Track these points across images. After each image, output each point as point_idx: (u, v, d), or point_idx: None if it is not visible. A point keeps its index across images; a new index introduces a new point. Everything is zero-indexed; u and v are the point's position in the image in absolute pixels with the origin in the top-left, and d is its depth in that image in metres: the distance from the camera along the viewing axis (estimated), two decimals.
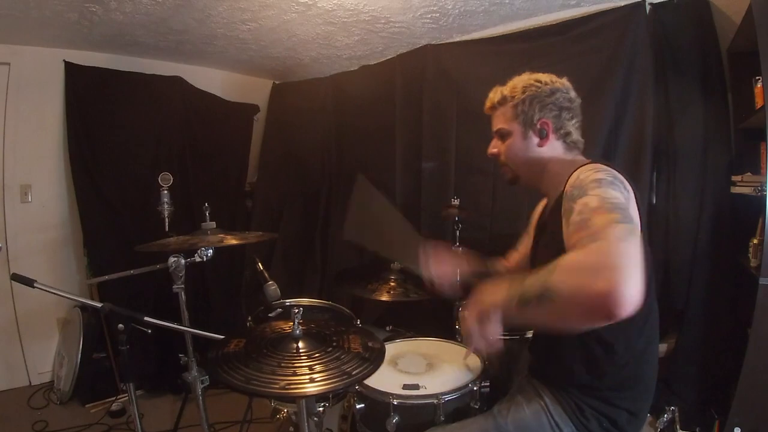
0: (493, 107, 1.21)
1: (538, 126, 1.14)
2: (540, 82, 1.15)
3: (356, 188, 1.71)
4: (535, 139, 1.15)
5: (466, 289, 1.38)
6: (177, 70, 3.07)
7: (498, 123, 1.21)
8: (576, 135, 1.17)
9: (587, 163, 1.05)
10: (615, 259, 0.75)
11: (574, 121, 1.16)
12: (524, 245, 1.43)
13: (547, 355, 1.15)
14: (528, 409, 1.10)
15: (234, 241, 1.63)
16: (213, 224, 1.72)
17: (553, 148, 1.16)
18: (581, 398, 1.06)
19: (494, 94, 1.21)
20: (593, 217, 0.84)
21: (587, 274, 0.76)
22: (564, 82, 1.17)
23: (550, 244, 1.08)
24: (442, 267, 1.42)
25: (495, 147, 1.23)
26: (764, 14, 1.54)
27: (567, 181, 1.03)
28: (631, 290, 0.71)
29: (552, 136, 1.14)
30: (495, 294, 0.94)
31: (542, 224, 1.24)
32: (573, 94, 1.17)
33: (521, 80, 1.17)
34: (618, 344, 1.03)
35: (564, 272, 0.80)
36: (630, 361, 1.05)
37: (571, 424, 1.07)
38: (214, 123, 3.22)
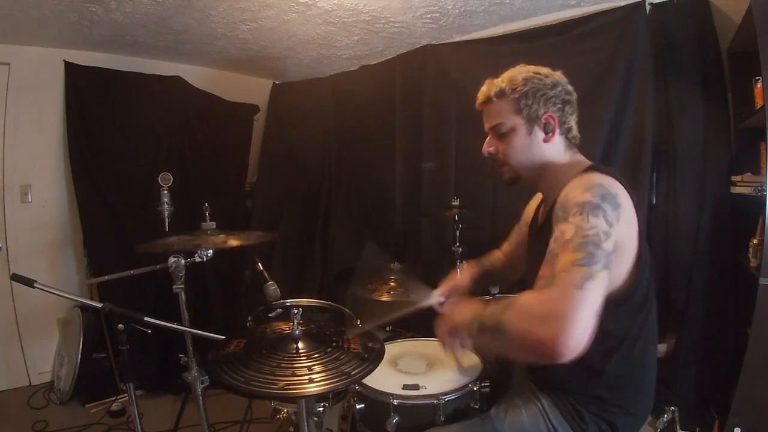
0: (489, 101, 1.12)
1: (544, 120, 1.07)
2: (540, 74, 1.09)
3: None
4: (540, 135, 1.08)
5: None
6: (177, 70, 3.07)
7: (495, 118, 1.11)
8: (575, 130, 1.13)
9: (583, 172, 1.02)
10: (563, 309, 0.79)
11: (574, 116, 1.12)
12: (515, 236, 1.42)
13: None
14: (525, 412, 1.09)
15: (235, 242, 1.63)
16: (213, 224, 1.72)
17: (556, 145, 1.10)
18: (579, 402, 1.05)
19: (489, 87, 1.12)
20: (560, 253, 0.86)
21: (535, 321, 0.81)
22: (562, 76, 1.12)
23: (542, 248, 1.06)
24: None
25: (491, 145, 1.15)
26: (764, 14, 1.54)
27: (564, 187, 1.00)
28: (572, 341, 0.76)
29: (557, 131, 1.09)
30: (462, 314, 1.02)
31: (538, 228, 1.20)
32: (571, 87, 1.12)
33: (519, 72, 1.10)
34: (617, 347, 1.01)
35: (517, 314, 0.86)
36: (629, 365, 1.04)
37: (569, 429, 1.06)
38: (214, 123, 3.22)
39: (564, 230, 0.88)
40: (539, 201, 1.30)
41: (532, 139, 1.09)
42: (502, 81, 1.11)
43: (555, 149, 1.11)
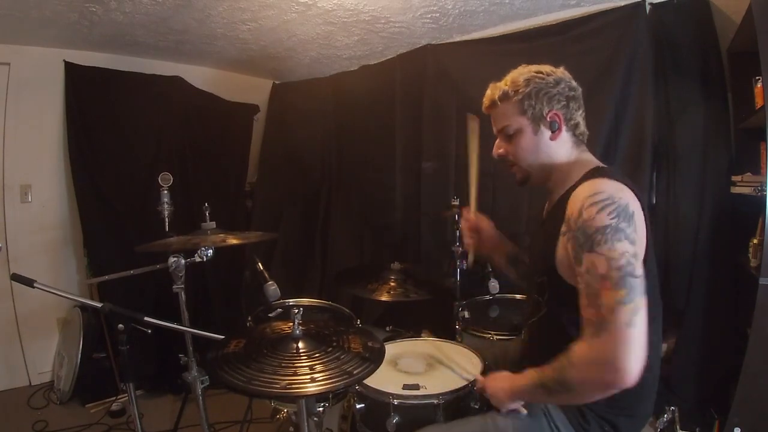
0: (494, 105, 1.14)
1: (549, 119, 1.08)
2: (542, 72, 1.09)
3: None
4: (547, 133, 1.09)
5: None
6: (177, 70, 3.07)
7: (502, 121, 1.13)
8: (583, 126, 1.13)
9: (590, 175, 1.02)
10: (622, 351, 0.86)
11: (580, 112, 1.12)
12: None
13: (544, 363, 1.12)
14: (528, 411, 1.10)
15: (235, 241, 1.63)
16: (213, 224, 1.72)
17: (564, 142, 1.11)
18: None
19: (493, 91, 1.14)
20: (601, 292, 0.89)
21: (601, 370, 0.88)
22: (564, 72, 1.12)
23: (545, 245, 1.08)
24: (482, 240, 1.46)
25: (501, 147, 1.16)
26: (764, 14, 1.54)
27: (572, 191, 1.00)
28: (634, 369, 0.85)
29: (563, 128, 1.09)
30: (517, 385, 1.07)
31: (542, 222, 1.22)
32: (575, 83, 1.12)
33: (521, 73, 1.11)
34: None
35: (580, 369, 0.92)
36: None
37: (571, 428, 1.06)
38: (214, 123, 3.22)
39: (595, 263, 0.91)
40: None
41: (539, 139, 1.10)
42: (504, 84, 1.12)
43: (563, 147, 1.11)
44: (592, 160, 1.12)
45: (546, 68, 1.12)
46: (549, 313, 1.10)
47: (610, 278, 0.88)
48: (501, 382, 1.12)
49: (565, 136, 1.11)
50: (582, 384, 0.92)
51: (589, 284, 0.92)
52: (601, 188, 0.96)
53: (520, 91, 1.08)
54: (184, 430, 2.10)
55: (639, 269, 0.90)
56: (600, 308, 0.89)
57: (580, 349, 0.92)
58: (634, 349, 0.85)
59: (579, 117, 1.11)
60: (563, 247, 1.00)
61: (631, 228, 0.91)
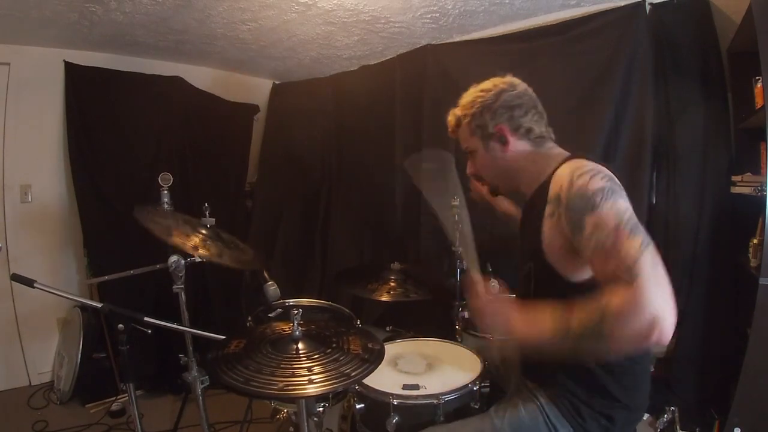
0: (454, 131, 1.23)
1: (496, 134, 1.13)
2: (484, 90, 1.15)
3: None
4: (498, 147, 1.14)
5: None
6: (177, 70, 3.07)
7: (463, 143, 1.21)
8: (539, 128, 1.14)
9: (570, 158, 1.04)
10: (656, 294, 0.81)
11: (530, 116, 1.13)
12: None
13: (540, 358, 1.12)
14: (524, 409, 1.10)
15: (229, 262, 1.57)
16: (213, 220, 1.72)
17: (520, 150, 1.14)
18: (577, 398, 1.06)
19: (450, 118, 1.22)
20: (618, 242, 0.86)
21: (637, 317, 0.81)
22: (509, 81, 1.15)
23: (529, 236, 1.09)
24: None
25: (470, 167, 1.24)
26: (764, 14, 1.54)
27: (551, 175, 1.02)
28: (671, 318, 0.80)
29: (512, 138, 1.12)
30: (528, 319, 0.95)
31: (524, 213, 1.24)
32: (522, 88, 1.14)
33: (469, 95, 1.17)
34: None
35: (620, 318, 0.83)
36: (626, 361, 1.04)
37: (567, 425, 1.06)
38: (214, 123, 3.22)
39: (603, 219, 0.89)
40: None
41: (493, 154, 1.16)
42: (457, 109, 1.20)
43: (521, 154, 1.14)
44: (563, 153, 1.13)
45: (489, 84, 1.16)
46: (536, 299, 1.09)
47: (623, 228, 0.87)
48: (506, 308, 1.01)
49: (518, 143, 1.14)
50: (620, 335, 0.83)
51: (600, 242, 0.88)
52: (584, 164, 0.99)
53: (468, 113, 1.16)
54: (184, 430, 2.10)
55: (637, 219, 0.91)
56: (624, 258, 0.85)
57: (617, 299, 0.84)
58: (667, 290, 0.82)
59: (529, 122, 1.13)
60: (550, 229, 1.01)
61: (623, 193, 0.93)
